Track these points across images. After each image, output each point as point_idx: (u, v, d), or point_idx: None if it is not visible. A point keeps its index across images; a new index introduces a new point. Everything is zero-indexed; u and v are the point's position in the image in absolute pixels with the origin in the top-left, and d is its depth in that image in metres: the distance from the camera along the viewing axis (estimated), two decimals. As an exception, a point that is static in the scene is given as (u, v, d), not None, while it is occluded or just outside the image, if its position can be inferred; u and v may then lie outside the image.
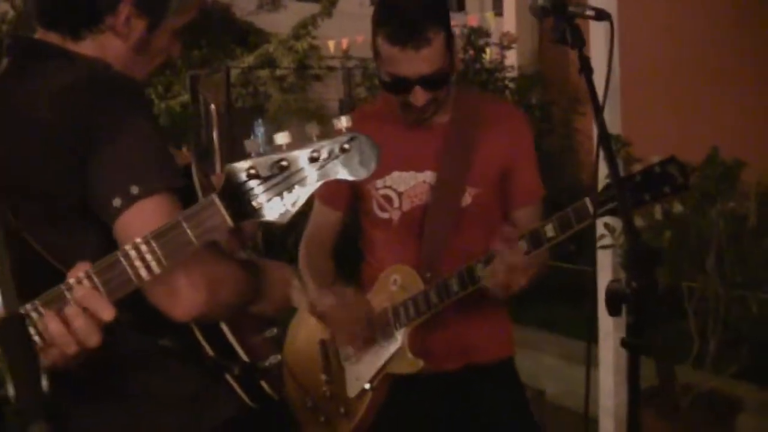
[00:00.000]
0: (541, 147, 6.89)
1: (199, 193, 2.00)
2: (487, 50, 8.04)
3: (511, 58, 8.81)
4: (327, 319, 2.61)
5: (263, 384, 1.91)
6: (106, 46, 1.82)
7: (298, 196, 1.40)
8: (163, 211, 1.62)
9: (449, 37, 2.41)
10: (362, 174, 1.42)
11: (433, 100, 2.45)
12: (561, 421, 4.60)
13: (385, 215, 2.61)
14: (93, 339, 1.42)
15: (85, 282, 1.40)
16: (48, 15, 1.82)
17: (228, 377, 1.86)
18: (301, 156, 1.40)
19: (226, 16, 14.79)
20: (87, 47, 1.80)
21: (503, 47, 8.26)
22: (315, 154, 1.40)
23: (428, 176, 2.56)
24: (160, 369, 1.81)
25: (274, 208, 1.40)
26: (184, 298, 1.64)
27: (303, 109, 12.52)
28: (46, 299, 1.41)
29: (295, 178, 1.40)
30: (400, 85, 2.43)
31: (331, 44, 13.26)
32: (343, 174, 1.41)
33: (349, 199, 2.73)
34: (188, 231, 1.40)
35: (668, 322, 3.56)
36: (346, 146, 1.41)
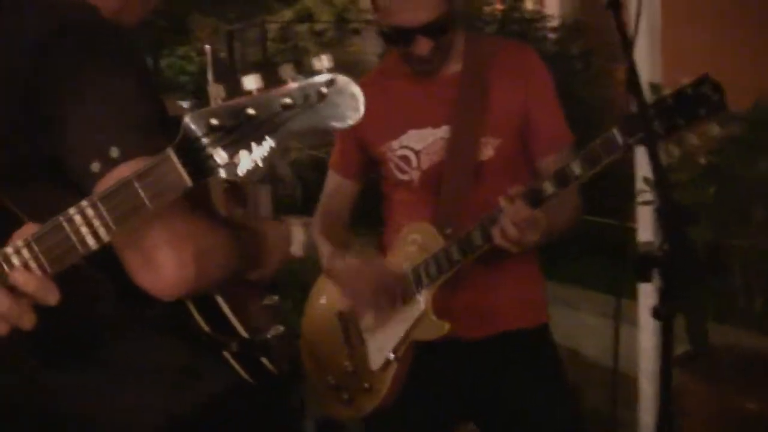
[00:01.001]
0: (583, 99, 6.68)
1: None
2: (527, -1, 7.80)
3: (553, 6, 8.56)
4: (342, 284, 2.49)
5: (263, 360, 1.78)
6: None
7: (270, 149, 1.23)
8: None
9: None
10: (344, 123, 1.25)
11: (437, 48, 2.33)
12: (597, 381, 4.46)
13: (405, 177, 2.47)
14: (26, 321, 1.26)
15: (24, 252, 1.23)
16: None
17: (225, 354, 1.73)
18: (272, 103, 1.22)
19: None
20: None
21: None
22: (288, 101, 1.22)
23: (445, 131, 2.41)
24: (145, 339, 1.68)
25: (240, 163, 1.23)
26: (169, 275, 1.47)
27: (341, 64, 12.29)
28: None
29: (264, 128, 1.22)
30: (401, 37, 2.33)
31: (370, -3, 12.99)
32: (322, 123, 1.24)
33: (363, 166, 2.60)
34: (140, 192, 1.22)
35: (711, 280, 3.41)
36: (324, 90, 1.23)
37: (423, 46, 2.31)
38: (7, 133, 1.53)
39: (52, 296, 1.24)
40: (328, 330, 2.57)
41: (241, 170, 1.23)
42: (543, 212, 2.14)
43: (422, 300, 2.37)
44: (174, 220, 1.47)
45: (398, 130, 2.45)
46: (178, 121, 1.67)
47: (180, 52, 14.13)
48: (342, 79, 1.25)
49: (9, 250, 1.23)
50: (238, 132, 1.22)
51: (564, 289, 5.49)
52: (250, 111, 1.22)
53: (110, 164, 1.43)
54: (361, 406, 2.50)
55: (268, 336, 1.82)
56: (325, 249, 2.55)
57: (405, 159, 2.45)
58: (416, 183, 2.45)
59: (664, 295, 1.49)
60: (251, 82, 1.24)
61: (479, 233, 2.24)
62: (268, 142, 1.23)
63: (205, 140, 1.22)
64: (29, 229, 1.24)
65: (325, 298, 2.60)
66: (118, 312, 1.63)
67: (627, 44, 1.63)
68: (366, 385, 2.48)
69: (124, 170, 1.40)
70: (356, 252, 2.46)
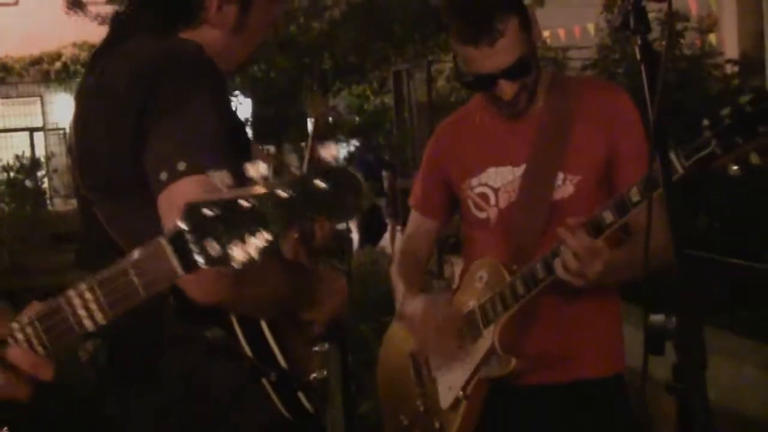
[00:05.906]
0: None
1: None
2: (685, 35, 7.45)
3: (731, 43, 8.15)
4: (412, 327, 2.49)
5: (300, 395, 1.85)
6: (205, 37, 1.86)
7: (266, 241, 1.23)
8: (207, 190, 1.57)
9: (523, 17, 2.26)
10: (344, 218, 1.25)
11: (522, 89, 2.30)
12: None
13: (482, 215, 2.45)
14: (21, 393, 1.33)
15: (28, 329, 1.30)
16: (144, 19, 1.87)
17: (264, 382, 1.82)
18: (270, 195, 1.22)
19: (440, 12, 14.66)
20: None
21: (703, 31, 7.65)
22: (285, 195, 1.22)
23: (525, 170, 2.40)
24: (202, 360, 1.80)
25: (234, 253, 1.24)
26: (205, 279, 1.53)
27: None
28: None
29: (260, 220, 1.23)
30: (484, 83, 2.31)
31: (547, 33, 12.85)
32: (322, 215, 1.24)
33: (445, 205, 2.61)
34: (134, 279, 1.27)
35: None
36: (322, 184, 1.22)
37: (506, 89, 2.29)
38: (108, 153, 1.76)
39: (44, 373, 1.31)
40: (402, 370, 2.59)
41: (235, 262, 1.24)
42: (607, 242, 2.09)
43: (489, 336, 2.34)
44: None
45: (478, 168, 2.45)
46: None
47: (356, 91, 14.41)
48: (342, 171, 1.24)
49: (15, 325, 1.31)
50: (231, 223, 1.24)
51: (723, 338, 5.15)
52: (245, 203, 1.23)
53: (176, 175, 1.59)
54: None
55: (310, 378, 1.92)
56: (398, 291, 2.58)
57: (483, 197, 2.44)
58: (493, 222, 2.43)
59: (677, 371, 1.35)
60: (256, 169, 1.25)
61: (542, 266, 2.21)
62: (264, 235, 1.24)
63: (198, 231, 1.24)
64: (35, 307, 1.33)
65: (400, 340, 2.61)
66: (178, 329, 1.77)
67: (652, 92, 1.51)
68: (437, 424, 2.47)
69: (188, 183, 1.58)
70: (427, 297, 2.46)
